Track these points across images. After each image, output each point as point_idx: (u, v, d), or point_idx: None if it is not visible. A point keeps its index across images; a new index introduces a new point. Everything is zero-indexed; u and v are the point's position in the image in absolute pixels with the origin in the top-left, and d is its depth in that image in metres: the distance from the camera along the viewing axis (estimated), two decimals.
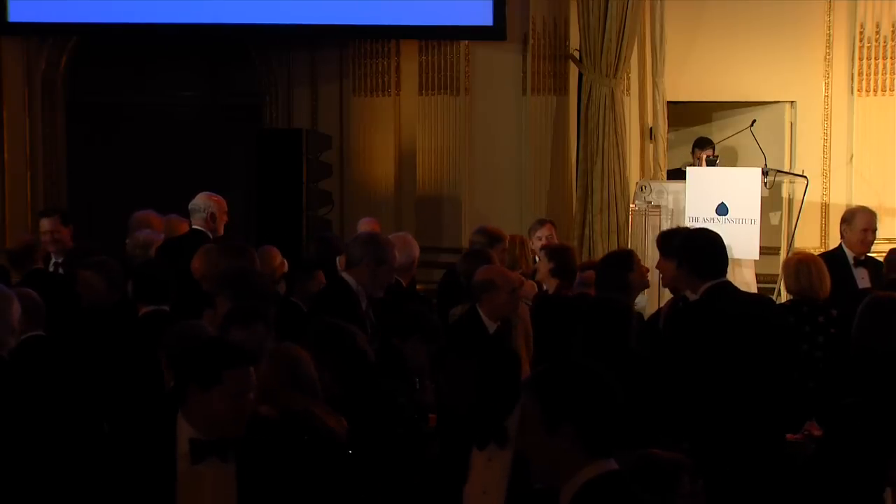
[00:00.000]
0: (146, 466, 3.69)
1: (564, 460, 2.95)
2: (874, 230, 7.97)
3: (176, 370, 3.94)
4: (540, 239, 8.59)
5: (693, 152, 10.84)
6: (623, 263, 6.71)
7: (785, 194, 10.95)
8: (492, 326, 6.39)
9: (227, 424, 3.73)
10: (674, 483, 4.03)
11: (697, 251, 5.59)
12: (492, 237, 8.17)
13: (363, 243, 6.17)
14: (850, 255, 7.86)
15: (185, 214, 8.14)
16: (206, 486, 3.72)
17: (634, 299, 6.72)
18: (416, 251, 7.81)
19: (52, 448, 5.37)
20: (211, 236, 7.78)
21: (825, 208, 11.10)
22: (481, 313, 6.39)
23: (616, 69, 10.54)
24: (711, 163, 10.53)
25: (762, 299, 5.87)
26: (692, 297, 5.64)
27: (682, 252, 5.66)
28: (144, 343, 5.50)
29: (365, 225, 9.00)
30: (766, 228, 9.99)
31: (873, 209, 10.55)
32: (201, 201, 7.95)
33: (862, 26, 10.95)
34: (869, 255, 7.94)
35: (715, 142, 11.09)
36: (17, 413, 5.28)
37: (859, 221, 7.87)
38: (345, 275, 6.12)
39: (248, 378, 3.77)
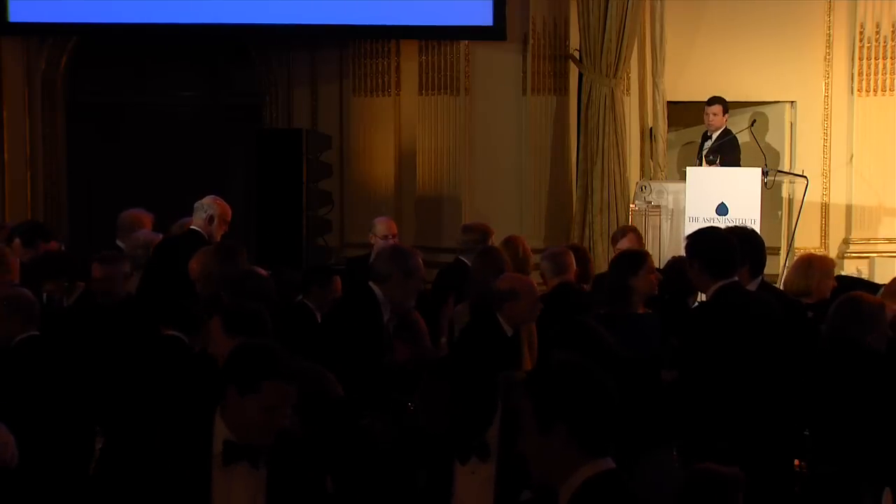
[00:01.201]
0: (183, 463, 3.67)
1: (560, 460, 2.95)
2: None
3: (221, 369, 3.85)
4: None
5: (704, 110, 10.77)
6: (630, 265, 6.63)
7: (785, 194, 10.94)
8: (509, 331, 6.37)
9: (256, 433, 3.68)
10: (732, 500, 4.05)
11: (708, 250, 5.56)
12: (485, 233, 8.19)
13: (390, 258, 6.13)
14: None
15: (188, 214, 8.13)
16: (236, 490, 3.69)
17: (638, 303, 6.63)
18: None
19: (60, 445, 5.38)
20: (206, 238, 7.77)
21: (825, 208, 11.10)
22: (500, 319, 6.34)
23: (616, 69, 10.53)
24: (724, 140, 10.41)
25: (771, 300, 5.85)
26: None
27: (692, 251, 5.63)
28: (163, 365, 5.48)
29: (381, 224, 8.95)
30: (767, 228, 9.99)
31: (872, 209, 10.58)
32: (206, 202, 7.92)
33: (862, 26, 10.96)
34: None
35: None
36: (26, 411, 5.30)
37: None
38: (373, 285, 6.10)
39: (287, 394, 3.69)
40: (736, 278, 5.55)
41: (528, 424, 2.98)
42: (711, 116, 10.46)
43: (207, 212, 7.86)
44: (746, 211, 9.42)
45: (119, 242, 8.27)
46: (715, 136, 10.51)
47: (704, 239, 5.64)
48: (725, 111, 10.53)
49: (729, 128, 10.67)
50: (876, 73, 10.97)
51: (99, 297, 6.79)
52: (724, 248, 5.54)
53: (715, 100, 10.52)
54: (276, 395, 3.66)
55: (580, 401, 2.94)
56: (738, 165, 10.25)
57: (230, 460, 3.68)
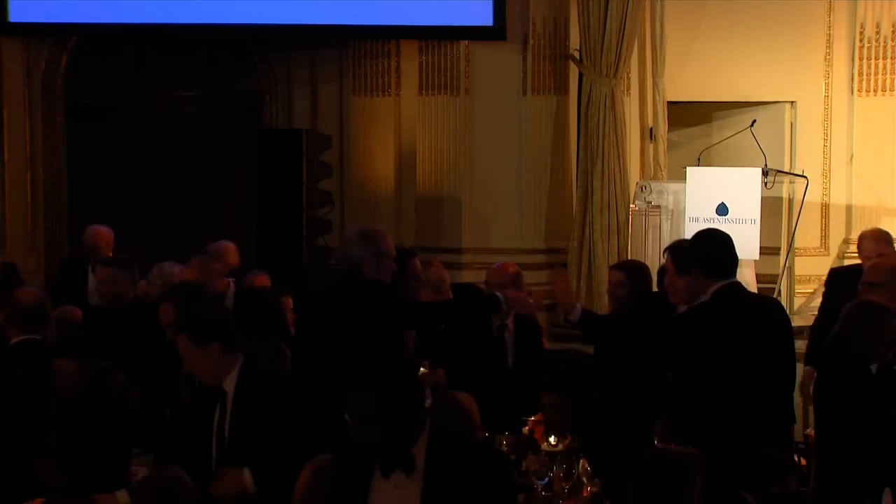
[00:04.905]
0: None
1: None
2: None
3: None
4: None
5: None
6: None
7: (785, 194, 10.94)
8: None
9: None
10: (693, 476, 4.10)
11: (709, 252, 5.58)
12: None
13: (359, 241, 6.11)
14: None
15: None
16: None
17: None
18: None
19: None
20: None
21: (825, 208, 11.10)
22: None
23: (616, 69, 10.53)
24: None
25: (769, 301, 5.87)
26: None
27: (692, 252, 5.65)
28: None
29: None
30: (766, 228, 9.98)
31: (873, 209, 10.56)
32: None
33: (862, 26, 10.95)
34: None
35: (715, 142, 11.08)
36: None
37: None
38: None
39: None
40: (735, 279, 5.58)
41: None
42: None
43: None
44: (746, 211, 9.42)
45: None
46: None
47: (703, 240, 5.67)
48: None
49: None
50: (876, 73, 10.97)
51: (105, 300, 6.82)
52: (723, 250, 5.57)
53: None
54: None
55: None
56: None
57: None
